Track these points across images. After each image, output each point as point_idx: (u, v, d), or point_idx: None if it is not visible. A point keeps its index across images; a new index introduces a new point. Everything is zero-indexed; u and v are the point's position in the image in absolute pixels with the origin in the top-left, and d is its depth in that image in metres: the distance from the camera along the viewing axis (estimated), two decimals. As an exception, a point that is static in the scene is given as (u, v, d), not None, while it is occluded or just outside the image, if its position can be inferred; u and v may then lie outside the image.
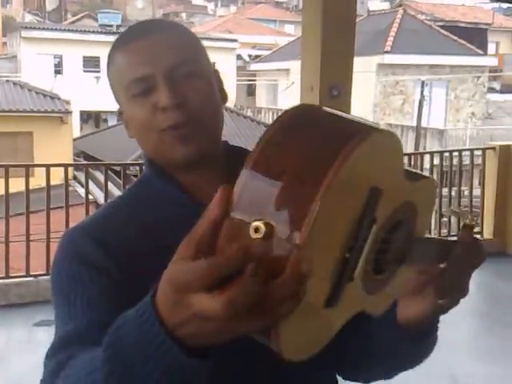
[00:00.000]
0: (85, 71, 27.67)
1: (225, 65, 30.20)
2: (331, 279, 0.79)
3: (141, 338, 0.76)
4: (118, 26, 29.81)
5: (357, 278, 0.84)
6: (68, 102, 19.74)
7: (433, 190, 1.07)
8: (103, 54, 29.00)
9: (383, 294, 0.97)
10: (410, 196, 0.96)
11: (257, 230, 0.70)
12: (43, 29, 28.51)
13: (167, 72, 1.16)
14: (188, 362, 0.75)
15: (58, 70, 27.84)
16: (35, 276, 6.03)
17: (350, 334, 0.93)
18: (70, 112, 19.64)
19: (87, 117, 29.10)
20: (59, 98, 20.00)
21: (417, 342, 1.15)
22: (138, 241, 1.15)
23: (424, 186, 1.02)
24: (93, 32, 28.83)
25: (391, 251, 0.94)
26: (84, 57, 28.07)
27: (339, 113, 0.85)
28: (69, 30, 28.97)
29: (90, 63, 28.11)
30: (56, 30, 28.72)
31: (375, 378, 1.35)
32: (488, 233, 7.68)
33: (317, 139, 0.79)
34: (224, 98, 1.28)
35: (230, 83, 29.63)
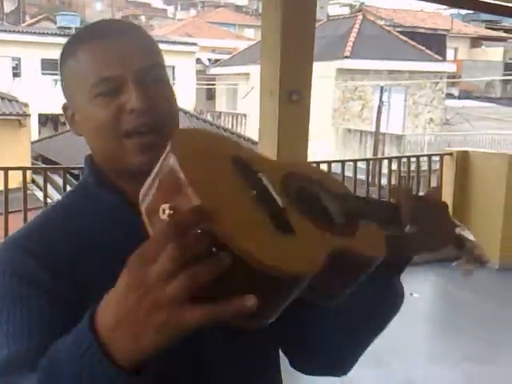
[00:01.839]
0: (43, 73, 27.34)
1: (184, 68, 30.11)
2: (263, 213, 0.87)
3: (75, 348, 0.81)
4: (77, 29, 29.47)
5: (293, 212, 0.91)
6: (26, 105, 19.49)
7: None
8: (62, 56, 28.78)
9: (363, 234, 1.01)
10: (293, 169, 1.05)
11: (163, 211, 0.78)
12: (1, 31, 28.04)
13: (138, 75, 1.13)
14: (119, 376, 0.78)
15: (16, 72, 27.48)
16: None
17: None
18: (29, 115, 19.38)
19: (45, 120, 28.72)
20: (17, 101, 19.74)
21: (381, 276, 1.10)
22: (80, 254, 1.10)
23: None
24: (51, 34, 28.44)
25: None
26: (42, 59, 27.73)
27: None
28: (27, 32, 28.61)
29: (49, 66, 27.69)
30: (14, 32, 28.32)
31: (330, 361, 1.28)
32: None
33: None
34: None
35: (190, 87, 29.55)
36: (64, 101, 1.24)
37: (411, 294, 6.26)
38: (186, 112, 22.22)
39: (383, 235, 1.05)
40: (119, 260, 0.94)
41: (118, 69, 1.12)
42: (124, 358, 0.78)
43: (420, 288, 6.67)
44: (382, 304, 1.18)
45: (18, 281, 1.07)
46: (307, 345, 1.27)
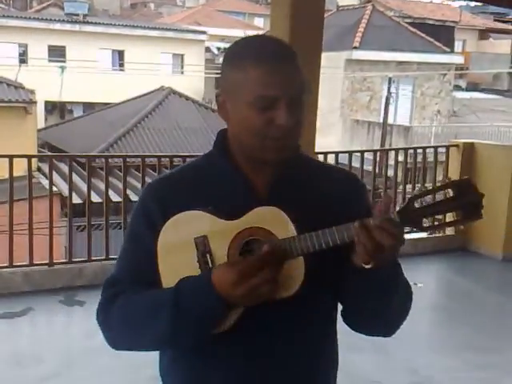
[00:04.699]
0: (50, 60, 27.33)
1: (193, 57, 30.08)
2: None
3: (197, 290, 1.44)
4: (85, 15, 29.47)
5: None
6: (33, 92, 19.44)
7: (274, 215, 1.48)
8: (69, 43, 28.03)
9: (281, 281, 1.42)
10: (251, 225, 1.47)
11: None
12: (8, 17, 28.03)
13: (290, 98, 1.47)
14: (219, 306, 1.42)
15: (23, 59, 27.47)
16: (-3, 268, 5.96)
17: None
18: (35, 102, 19.34)
19: (52, 107, 28.72)
20: (23, 88, 19.70)
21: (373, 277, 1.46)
22: (189, 204, 1.53)
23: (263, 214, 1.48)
24: (59, 21, 28.44)
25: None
26: (49, 46, 27.72)
27: None
28: (34, 19, 28.57)
29: (56, 53, 27.73)
30: (21, 18, 28.28)
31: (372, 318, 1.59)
32: (450, 229, 7.74)
33: None
34: None
35: (199, 76, 29.52)
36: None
37: (415, 284, 6.26)
38: (194, 101, 22.20)
39: (303, 267, 1.44)
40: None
41: (277, 91, 1.46)
42: (224, 301, 1.42)
43: (424, 278, 6.69)
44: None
45: (143, 222, 1.59)
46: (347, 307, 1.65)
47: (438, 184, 1.41)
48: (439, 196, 1.40)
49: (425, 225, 1.42)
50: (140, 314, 1.52)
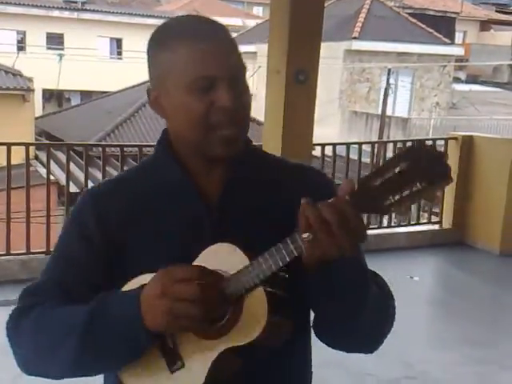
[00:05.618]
0: (48, 48, 27.24)
1: (191, 46, 29.94)
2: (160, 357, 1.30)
3: (121, 306, 1.24)
4: (83, 3, 29.36)
5: (182, 343, 1.29)
6: (30, 80, 19.38)
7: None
8: (67, 30, 27.96)
9: (244, 324, 1.25)
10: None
11: None
12: (6, 3, 27.90)
13: (230, 76, 1.30)
14: (143, 333, 1.21)
15: (21, 46, 27.39)
16: (-6, 256, 5.95)
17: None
18: (33, 90, 19.30)
19: (50, 95, 28.66)
20: (21, 75, 19.65)
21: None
22: (133, 216, 1.38)
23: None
24: (57, 8, 28.35)
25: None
26: (48, 33, 27.64)
27: None
28: (33, 6, 28.44)
29: (54, 40, 27.68)
30: (19, 4, 28.16)
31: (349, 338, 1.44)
32: (447, 222, 7.75)
33: None
34: None
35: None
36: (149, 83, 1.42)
37: (411, 278, 6.27)
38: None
39: (265, 301, 1.23)
40: (165, 227, 1.36)
41: (216, 70, 1.29)
42: (148, 325, 1.21)
43: (420, 271, 6.69)
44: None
45: (77, 233, 1.39)
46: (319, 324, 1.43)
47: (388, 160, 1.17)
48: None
49: (386, 203, 1.13)
50: (51, 331, 1.31)
